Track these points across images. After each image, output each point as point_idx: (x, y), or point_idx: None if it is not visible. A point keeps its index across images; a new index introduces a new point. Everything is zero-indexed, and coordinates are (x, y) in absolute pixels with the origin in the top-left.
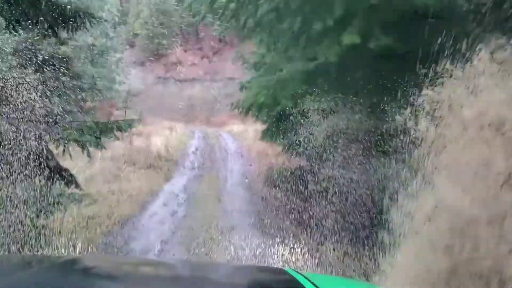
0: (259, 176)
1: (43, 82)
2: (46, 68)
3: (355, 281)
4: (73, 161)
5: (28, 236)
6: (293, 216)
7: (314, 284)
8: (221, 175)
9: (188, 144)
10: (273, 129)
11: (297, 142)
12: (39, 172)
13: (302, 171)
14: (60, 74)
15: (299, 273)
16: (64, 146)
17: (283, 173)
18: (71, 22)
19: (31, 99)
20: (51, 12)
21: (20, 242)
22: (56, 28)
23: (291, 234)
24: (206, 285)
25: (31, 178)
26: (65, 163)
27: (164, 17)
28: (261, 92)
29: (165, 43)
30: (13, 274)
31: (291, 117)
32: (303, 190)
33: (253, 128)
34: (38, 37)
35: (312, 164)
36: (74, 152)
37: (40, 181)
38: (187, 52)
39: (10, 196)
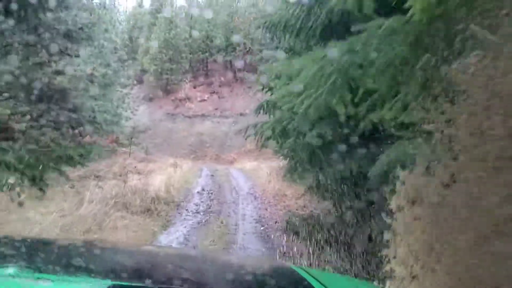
0: (277, 223)
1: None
2: (38, 100)
3: (362, 281)
4: (58, 204)
5: None
6: None
7: (320, 283)
8: (231, 222)
9: (194, 183)
10: (302, 165)
11: (325, 181)
12: None
13: (332, 218)
14: (56, 106)
15: (305, 271)
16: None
17: (308, 220)
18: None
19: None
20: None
21: None
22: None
23: None
24: (210, 276)
25: None
26: (51, 205)
27: (173, 53)
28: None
29: (174, 79)
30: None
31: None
32: (331, 242)
33: (267, 165)
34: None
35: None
36: (63, 194)
37: None
38: (197, 88)
39: None
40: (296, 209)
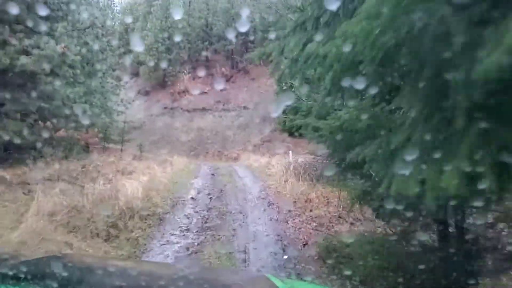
0: (307, 248)
1: None
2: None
3: None
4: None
5: None
6: None
7: None
8: (238, 245)
9: (188, 186)
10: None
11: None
12: None
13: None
14: (22, 93)
15: (280, 279)
16: None
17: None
18: None
19: None
20: None
21: None
22: None
23: None
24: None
25: None
26: None
27: (171, 43)
28: None
29: (171, 71)
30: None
31: None
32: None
33: (278, 161)
34: None
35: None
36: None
37: None
38: (196, 80)
39: None
40: (331, 223)
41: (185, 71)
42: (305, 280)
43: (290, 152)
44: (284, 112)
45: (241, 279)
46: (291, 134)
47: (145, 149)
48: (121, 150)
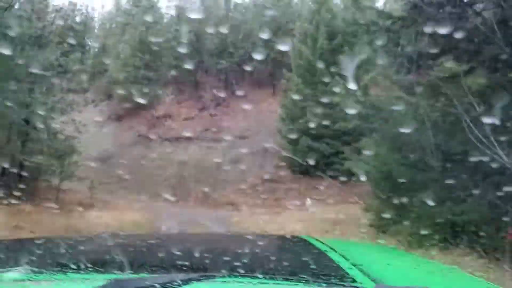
0: None
1: None
2: None
3: (376, 245)
4: None
5: None
6: None
7: (333, 249)
8: None
9: None
10: None
11: None
12: None
13: None
14: None
15: (317, 239)
16: None
17: None
18: None
19: None
20: None
21: None
22: None
23: None
24: (224, 254)
25: None
26: None
27: (151, 57)
28: None
29: (151, 91)
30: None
31: None
32: None
33: (301, 216)
34: None
35: None
36: None
37: None
38: (181, 103)
39: None
40: None
41: (167, 92)
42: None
43: (308, 200)
44: (291, 141)
45: (279, 242)
46: (302, 172)
47: (107, 189)
48: (57, 191)
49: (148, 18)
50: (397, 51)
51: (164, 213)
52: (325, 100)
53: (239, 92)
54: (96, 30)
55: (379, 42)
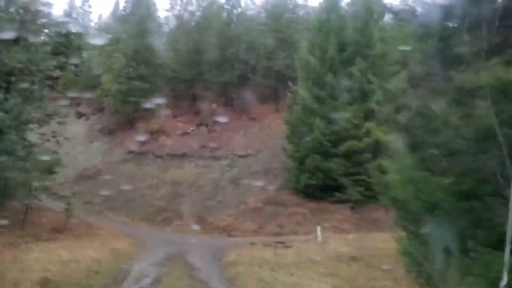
0: None
1: None
2: None
3: None
4: None
5: None
6: None
7: None
8: None
9: None
10: None
11: None
12: None
13: None
14: None
15: None
16: None
17: None
18: None
19: None
20: None
21: None
22: None
23: None
24: None
25: None
26: None
27: (146, 68)
28: None
29: (144, 104)
30: None
31: None
32: None
33: (313, 251)
34: None
35: None
36: None
37: None
38: (178, 117)
39: None
40: None
41: (162, 104)
42: None
43: (318, 229)
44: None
45: None
46: (308, 194)
47: (92, 210)
48: (23, 220)
49: (145, 27)
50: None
51: (151, 241)
52: (334, 115)
53: (240, 107)
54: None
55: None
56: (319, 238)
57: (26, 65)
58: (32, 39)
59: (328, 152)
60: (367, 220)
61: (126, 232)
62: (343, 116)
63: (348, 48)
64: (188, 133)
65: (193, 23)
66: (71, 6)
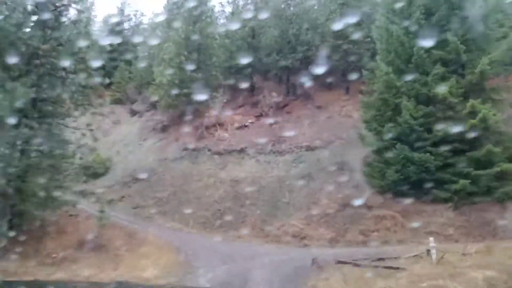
0: None
1: None
2: None
3: None
4: None
5: None
6: None
7: None
8: None
9: None
10: None
11: None
12: None
13: None
14: None
15: None
16: None
17: None
18: None
19: None
20: None
21: None
22: None
23: None
24: None
25: None
26: None
27: (199, 56)
28: None
29: (199, 96)
30: None
31: None
32: None
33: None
34: None
35: None
36: None
37: None
38: (235, 109)
39: None
40: None
41: (217, 96)
42: None
43: (431, 240)
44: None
45: None
46: (396, 193)
47: (141, 215)
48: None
49: (197, 12)
50: None
51: (206, 255)
52: (426, 93)
53: (303, 95)
54: (145, 38)
55: None
56: (434, 255)
57: (53, 46)
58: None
59: (421, 139)
60: (477, 223)
61: (177, 243)
62: (437, 93)
63: (438, 9)
64: (246, 126)
65: (248, 4)
66: (123, 3)
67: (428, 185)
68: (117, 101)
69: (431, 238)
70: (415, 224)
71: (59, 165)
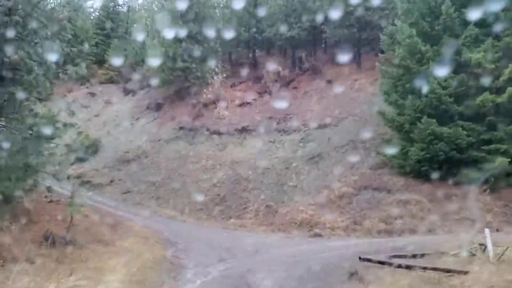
0: None
1: None
2: None
3: None
4: None
5: None
6: None
7: None
8: None
9: None
10: None
11: None
12: None
13: None
14: None
15: None
16: None
17: None
18: None
19: None
20: None
21: None
22: None
23: None
24: None
25: None
26: None
27: (196, 27)
28: None
29: (196, 71)
30: None
31: None
32: None
33: None
34: None
35: None
36: None
37: None
38: (236, 85)
39: None
40: None
41: (217, 71)
42: None
43: (487, 232)
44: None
45: None
46: (420, 174)
47: (133, 200)
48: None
49: None
50: None
51: (199, 249)
52: (456, 58)
53: (311, 69)
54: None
55: None
56: (491, 251)
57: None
58: None
59: (449, 112)
60: None
61: (167, 233)
62: (469, 59)
63: None
64: (249, 103)
65: None
66: None
67: (459, 164)
68: (111, 80)
69: (487, 230)
70: (445, 210)
71: (36, 146)
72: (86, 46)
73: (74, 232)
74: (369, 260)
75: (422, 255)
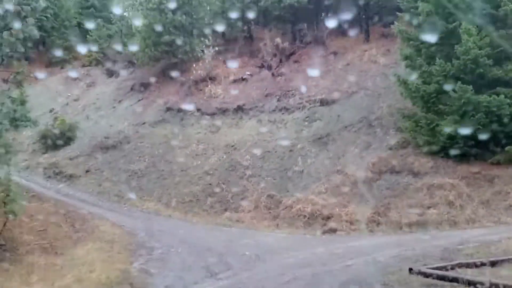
0: None
1: None
2: None
3: None
4: None
5: None
6: None
7: None
8: None
9: None
10: None
11: None
12: None
13: None
14: None
15: None
16: None
17: None
18: None
19: None
20: None
21: None
22: None
23: None
24: None
25: None
26: None
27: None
28: None
29: (184, 44)
30: None
31: None
32: None
33: None
34: None
35: None
36: None
37: None
38: (230, 59)
39: None
40: None
41: (208, 44)
42: None
43: None
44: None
45: None
46: (451, 153)
47: (111, 192)
48: None
49: None
50: None
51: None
52: (493, 12)
53: (313, 40)
54: None
55: None
56: None
57: None
58: None
59: (486, 77)
60: None
61: (143, 234)
62: (510, 11)
63: None
64: (244, 79)
65: None
66: None
67: (501, 140)
68: (95, 63)
69: None
70: (488, 196)
71: None
72: (41, 3)
73: (14, 237)
74: (425, 274)
75: (494, 263)
